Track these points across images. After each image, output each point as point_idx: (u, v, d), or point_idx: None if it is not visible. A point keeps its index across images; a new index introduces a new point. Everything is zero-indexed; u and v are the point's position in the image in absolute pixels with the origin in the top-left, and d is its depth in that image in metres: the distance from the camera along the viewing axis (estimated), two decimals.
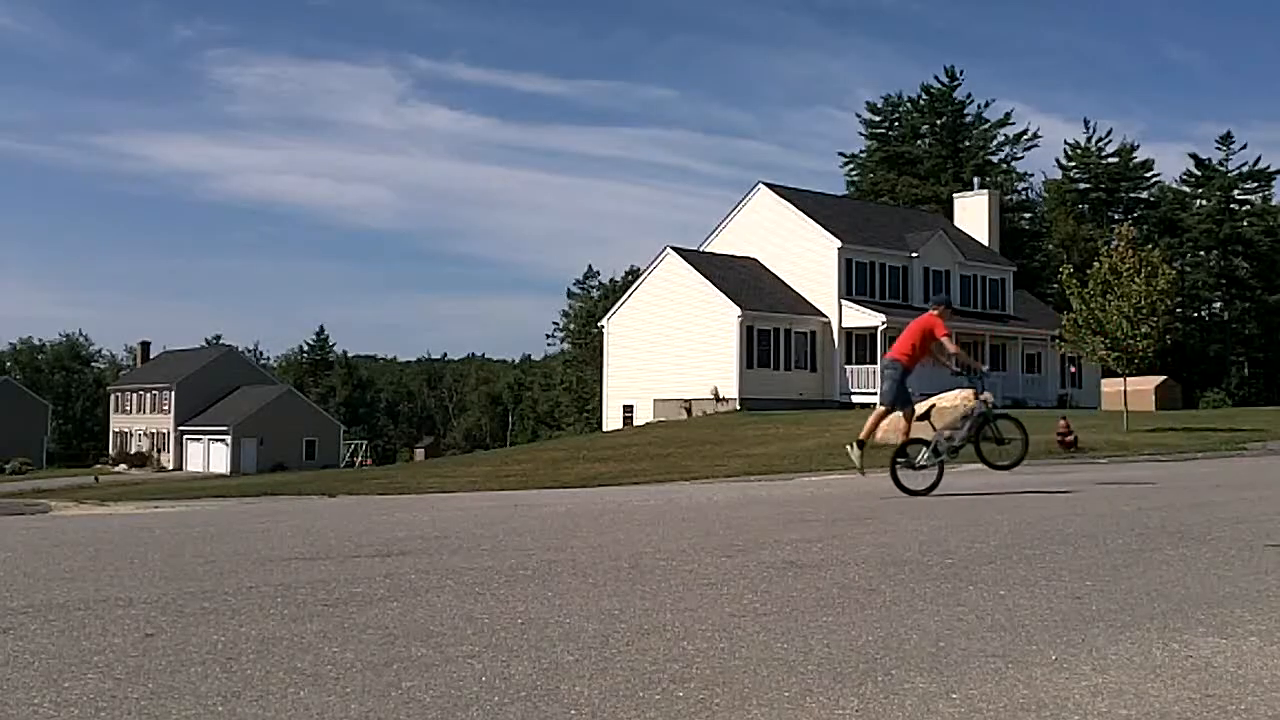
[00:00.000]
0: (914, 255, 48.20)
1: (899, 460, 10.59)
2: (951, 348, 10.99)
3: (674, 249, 47.29)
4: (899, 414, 10.82)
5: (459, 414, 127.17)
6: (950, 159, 76.91)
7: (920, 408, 10.81)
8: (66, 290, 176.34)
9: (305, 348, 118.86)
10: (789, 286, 47.15)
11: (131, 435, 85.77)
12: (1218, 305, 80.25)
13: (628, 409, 47.28)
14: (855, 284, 46.35)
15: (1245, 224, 76.91)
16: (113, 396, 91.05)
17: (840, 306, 45.81)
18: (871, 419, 11.05)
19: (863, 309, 45.39)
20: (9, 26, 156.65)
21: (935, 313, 10.99)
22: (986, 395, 11.07)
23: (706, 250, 49.01)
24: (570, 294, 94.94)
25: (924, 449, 10.60)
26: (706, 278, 45.16)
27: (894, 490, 10.40)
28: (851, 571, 5.44)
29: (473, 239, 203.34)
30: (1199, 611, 4.41)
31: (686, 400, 44.08)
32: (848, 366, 45.77)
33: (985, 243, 53.46)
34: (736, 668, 3.42)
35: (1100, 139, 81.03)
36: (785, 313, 45.44)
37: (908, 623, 4.13)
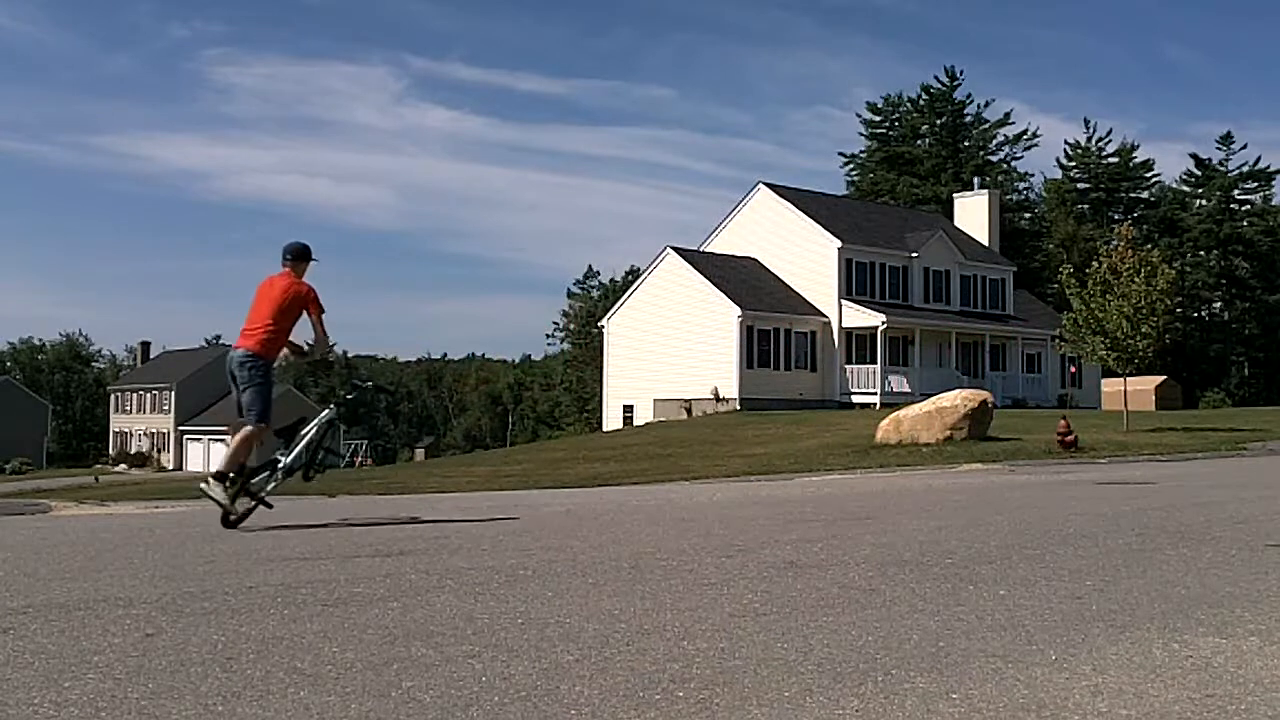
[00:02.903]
0: (914, 255, 48.19)
1: (249, 482, 7.85)
2: (322, 329, 8.19)
3: (674, 249, 47.28)
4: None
5: (459, 414, 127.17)
6: (950, 159, 76.90)
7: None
8: (66, 290, 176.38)
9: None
10: (789, 286, 47.14)
11: (131, 435, 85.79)
12: (1218, 305, 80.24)
13: (628, 409, 47.27)
14: (855, 284, 46.35)
15: (1245, 224, 76.91)
16: (113, 396, 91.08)
17: (840, 306, 45.81)
18: (240, 441, 7.91)
19: (863, 309, 45.38)
20: (6, 26, 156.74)
21: (293, 273, 8.01)
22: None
23: (706, 250, 49.00)
24: (570, 294, 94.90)
25: (274, 471, 8.05)
26: (706, 278, 45.16)
27: (886, 490, 10.36)
28: (851, 571, 5.44)
29: (473, 239, 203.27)
30: (1199, 611, 4.41)
31: (686, 400, 44.08)
32: (848, 366, 45.76)
33: (985, 243, 53.45)
34: (736, 668, 3.42)
35: (1100, 139, 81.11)
36: (785, 313, 45.44)
37: (908, 623, 4.13)
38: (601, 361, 50.46)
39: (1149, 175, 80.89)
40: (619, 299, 52.31)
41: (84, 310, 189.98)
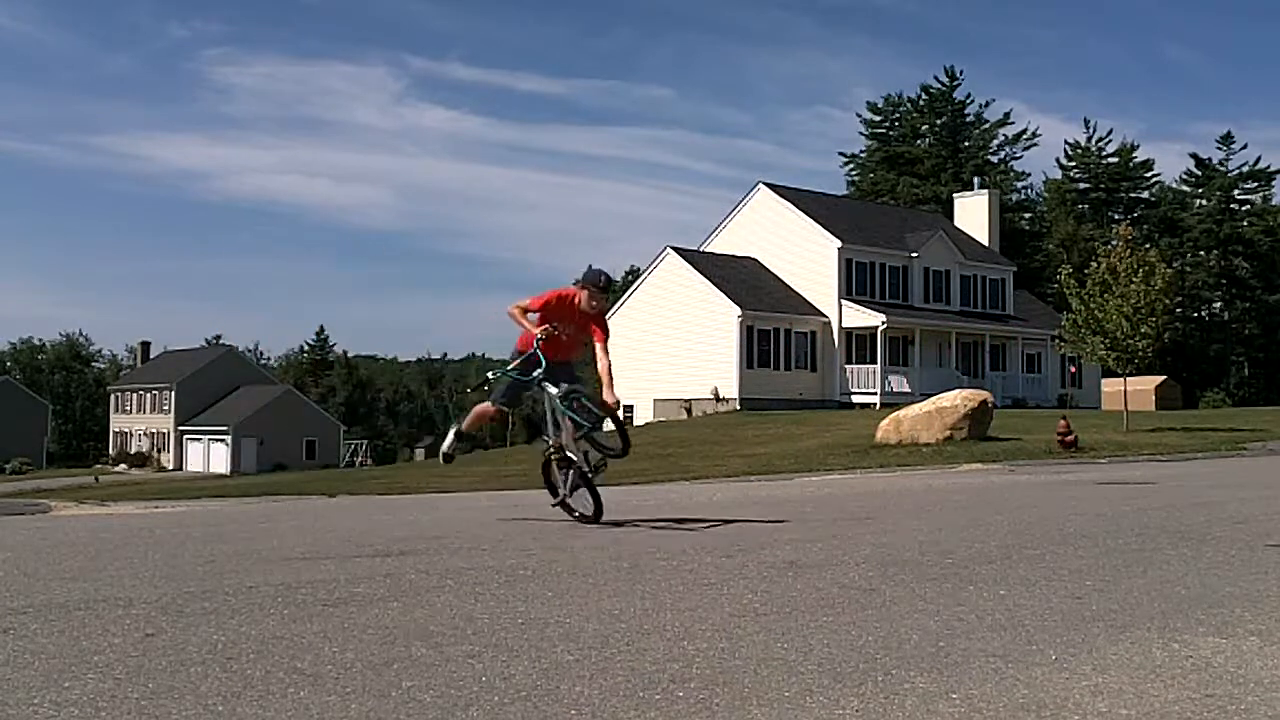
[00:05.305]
0: (914, 255, 48.19)
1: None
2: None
3: (674, 249, 47.28)
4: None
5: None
6: (950, 159, 76.94)
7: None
8: (66, 290, 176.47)
9: (305, 348, 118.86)
10: (789, 286, 47.14)
11: (131, 435, 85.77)
12: (1218, 305, 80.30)
13: (627, 409, 47.27)
14: (855, 284, 46.35)
15: (1245, 224, 76.95)
16: (113, 396, 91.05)
17: (840, 306, 45.81)
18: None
19: (863, 309, 45.38)
20: (6, 26, 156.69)
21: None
22: None
23: (706, 250, 49.00)
24: None
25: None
26: (706, 278, 45.16)
27: (886, 490, 10.36)
28: (851, 571, 5.44)
29: (473, 239, 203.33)
30: (1199, 611, 4.40)
31: (686, 400, 44.07)
32: (848, 366, 45.77)
33: (985, 243, 53.45)
34: (736, 668, 3.42)
35: (1100, 139, 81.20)
36: (785, 313, 45.43)
37: (908, 623, 4.13)
38: None
39: (1149, 175, 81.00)
40: (619, 299, 52.31)
41: (84, 310, 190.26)
